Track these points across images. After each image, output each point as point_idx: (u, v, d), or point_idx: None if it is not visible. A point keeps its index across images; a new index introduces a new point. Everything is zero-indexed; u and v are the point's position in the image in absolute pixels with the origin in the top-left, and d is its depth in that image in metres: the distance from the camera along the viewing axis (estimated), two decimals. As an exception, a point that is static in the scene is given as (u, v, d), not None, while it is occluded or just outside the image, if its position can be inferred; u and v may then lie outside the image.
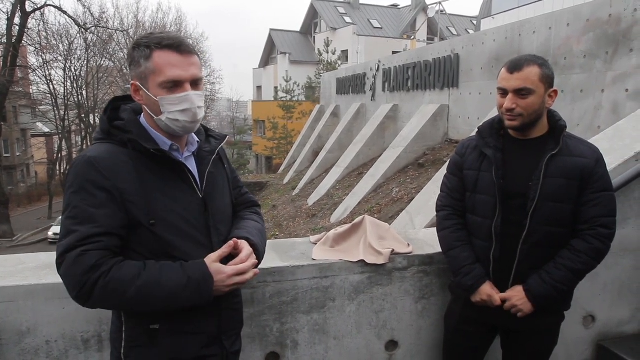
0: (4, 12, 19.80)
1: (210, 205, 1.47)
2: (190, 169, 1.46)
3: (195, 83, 1.39)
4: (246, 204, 1.73)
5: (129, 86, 1.43)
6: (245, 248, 1.46)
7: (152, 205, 1.34)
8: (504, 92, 1.79)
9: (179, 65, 1.35)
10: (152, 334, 1.40)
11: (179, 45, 1.36)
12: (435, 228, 2.11)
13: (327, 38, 27.61)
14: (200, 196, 1.46)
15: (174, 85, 1.35)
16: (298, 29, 38.53)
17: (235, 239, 1.46)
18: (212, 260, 1.39)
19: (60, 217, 1.90)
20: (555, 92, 1.80)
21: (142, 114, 1.47)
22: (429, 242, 2.36)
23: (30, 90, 29.19)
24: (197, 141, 1.54)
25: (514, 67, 1.75)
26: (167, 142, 1.44)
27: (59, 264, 1.29)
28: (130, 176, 1.34)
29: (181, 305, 1.35)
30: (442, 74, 9.71)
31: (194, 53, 1.40)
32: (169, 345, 1.42)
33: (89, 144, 26.64)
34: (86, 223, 1.28)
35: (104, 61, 29.08)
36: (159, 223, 1.35)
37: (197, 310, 1.44)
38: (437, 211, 2.07)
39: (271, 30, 37.62)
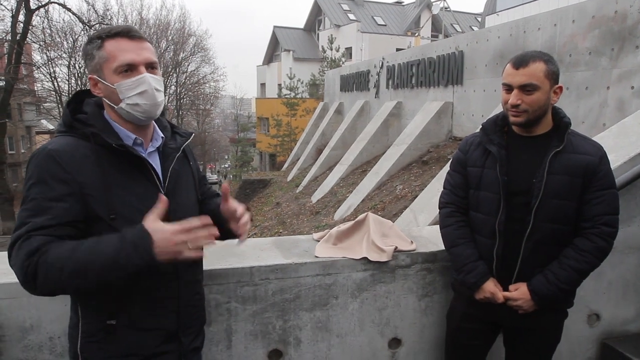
0: (8, 10, 19.85)
1: (172, 202, 1.42)
2: (153, 164, 1.44)
3: (151, 67, 1.39)
4: (212, 195, 1.73)
5: None
6: (202, 217, 1.36)
7: (112, 200, 1.32)
8: (509, 88, 1.78)
9: (131, 49, 1.35)
10: (109, 329, 1.38)
11: (129, 32, 1.37)
12: (438, 225, 2.10)
13: (331, 35, 27.49)
14: (162, 192, 1.43)
15: (129, 70, 1.35)
16: (302, 26, 38.48)
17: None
18: (150, 219, 1.27)
19: None
20: (561, 88, 1.79)
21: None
22: (433, 240, 2.35)
23: (35, 87, 29.25)
24: (162, 137, 1.52)
25: (520, 62, 1.73)
26: (130, 136, 1.42)
27: (9, 254, 1.26)
28: (91, 170, 1.32)
29: (124, 271, 1.24)
30: (446, 71, 9.66)
31: (145, 39, 1.40)
32: (126, 341, 1.40)
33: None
34: (40, 215, 1.26)
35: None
36: (119, 218, 1.33)
37: (156, 306, 1.42)
38: (439, 208, 2.06)
39: (275, 27, 37.58)
